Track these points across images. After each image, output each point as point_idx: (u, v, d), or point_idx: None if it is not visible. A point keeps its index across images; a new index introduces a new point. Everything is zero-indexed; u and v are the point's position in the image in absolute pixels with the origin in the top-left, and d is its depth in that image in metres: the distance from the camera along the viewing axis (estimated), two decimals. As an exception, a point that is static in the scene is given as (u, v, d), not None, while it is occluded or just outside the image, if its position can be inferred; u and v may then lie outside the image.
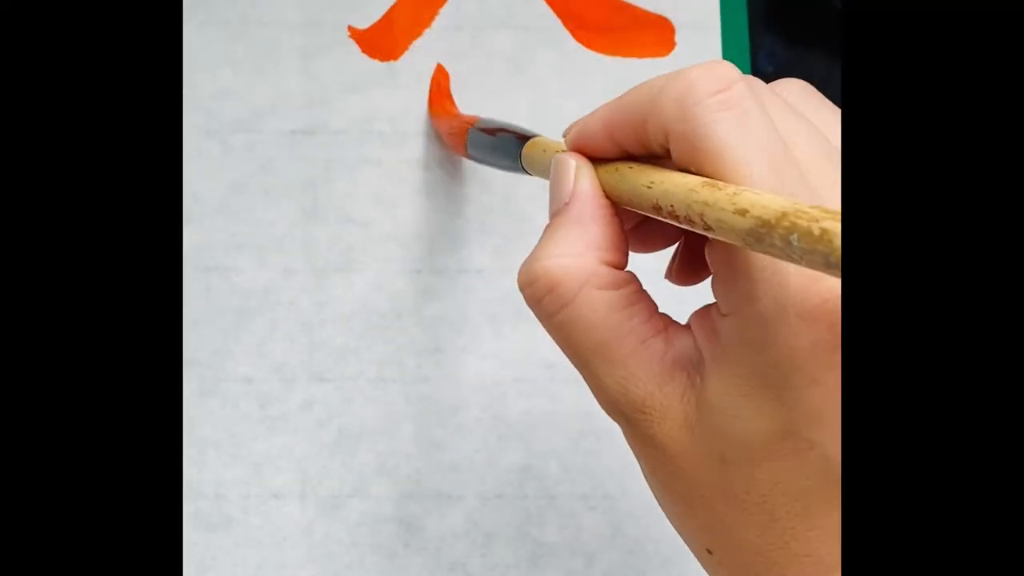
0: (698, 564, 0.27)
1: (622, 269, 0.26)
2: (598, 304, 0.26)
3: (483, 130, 0.36)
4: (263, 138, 0.41)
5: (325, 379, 0.39)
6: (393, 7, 0.42)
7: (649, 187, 0.25)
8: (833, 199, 0.24)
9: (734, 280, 0.24)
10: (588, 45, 0.42)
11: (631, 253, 0.27)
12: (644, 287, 0.27)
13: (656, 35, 0.42)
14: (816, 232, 0.20)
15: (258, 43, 0.41)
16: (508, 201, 0.41)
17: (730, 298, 0.24)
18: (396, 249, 0.40)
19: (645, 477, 0.27)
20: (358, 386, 0.40)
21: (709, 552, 0.26)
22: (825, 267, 0.20)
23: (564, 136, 0.29)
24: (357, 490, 0.39)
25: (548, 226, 0.27)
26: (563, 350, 0.27)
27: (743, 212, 0.21)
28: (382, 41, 0.42)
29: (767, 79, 0.26)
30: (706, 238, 0.25)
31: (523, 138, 0.32)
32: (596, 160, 0.27)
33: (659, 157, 0.25)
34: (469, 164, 0.41)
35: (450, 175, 0.41)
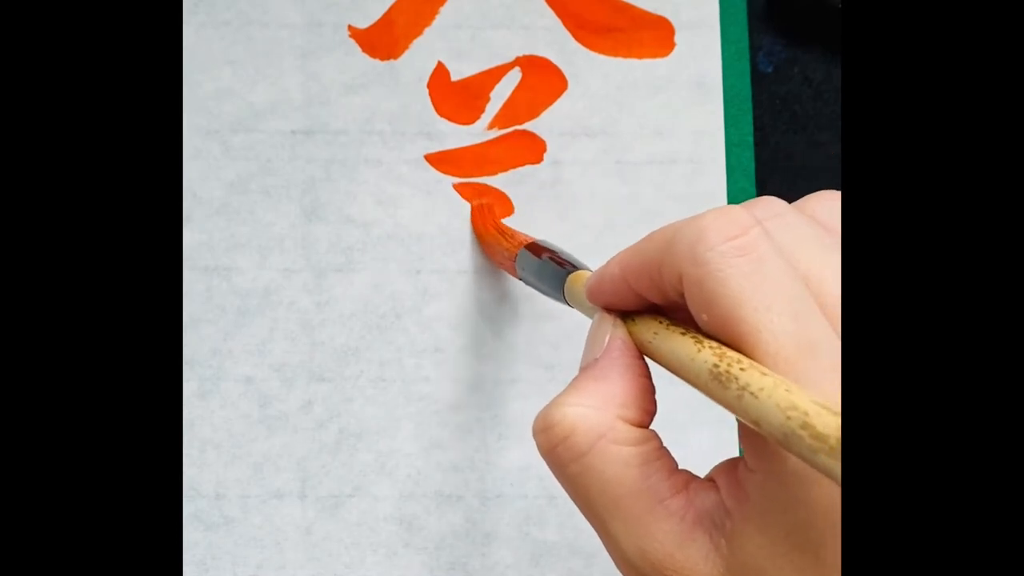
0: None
1: (643, 427, 0.26)
2: (613, 458, 0.25)
3: (531, 251, 0.35)
4: (263, 138, 0.41)
5: (325, 379, 0.39)
6: (393, 6, 0.42)
7: (691, 360, 0.24)
8: None
9: (762, 436, 0.23)
10: (588, 45, 0.42)
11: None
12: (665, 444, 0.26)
13: (656, 35, 0.42)
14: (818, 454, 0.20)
15: (258, 43, 0.41)
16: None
17: (759, 454, 0.23)
18: (396, 249, 0.40)
19: None
20: (358, 386, 0.40)
21: None
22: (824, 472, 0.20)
23: (584, 284, 0.28)
24: (357, 490, 0.39)
25: (574, 378, 0.26)
26: (577, 505, 0.26)
27: (755, 423, 0.22)
28: (382, 40, 0.42)
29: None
30: None
31: (567, 267, 0.31)
32: (636, 314, 0.27)
33: (679, 306, 0.25)
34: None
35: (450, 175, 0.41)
